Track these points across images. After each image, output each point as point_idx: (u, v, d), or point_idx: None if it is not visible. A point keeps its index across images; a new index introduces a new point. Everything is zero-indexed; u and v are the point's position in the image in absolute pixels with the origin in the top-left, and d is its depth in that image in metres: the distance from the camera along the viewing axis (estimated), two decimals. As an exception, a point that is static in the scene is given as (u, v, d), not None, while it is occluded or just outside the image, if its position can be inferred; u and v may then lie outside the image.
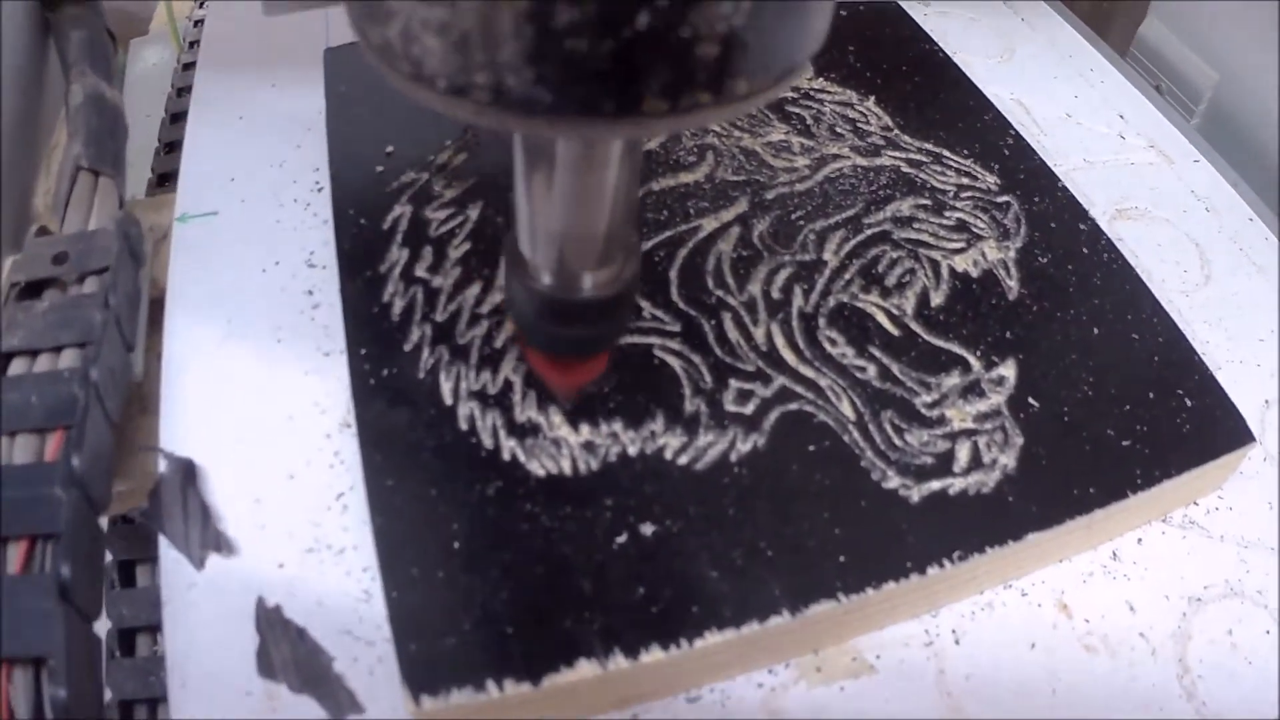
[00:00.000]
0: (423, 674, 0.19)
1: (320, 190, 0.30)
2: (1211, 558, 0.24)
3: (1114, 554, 0.24)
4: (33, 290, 0.25)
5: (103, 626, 0.24)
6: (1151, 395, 0.25)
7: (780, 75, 0.14)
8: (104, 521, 0.24)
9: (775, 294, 0.25)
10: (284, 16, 0.29)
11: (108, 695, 0.24)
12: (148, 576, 0.28)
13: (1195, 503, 0.25)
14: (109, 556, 0.27)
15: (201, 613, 0.22)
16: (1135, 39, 0.42)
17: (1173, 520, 0.25)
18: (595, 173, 0.16)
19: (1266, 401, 0.28)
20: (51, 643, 0.19)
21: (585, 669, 0.19)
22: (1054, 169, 0.31)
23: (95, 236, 0.26)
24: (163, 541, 0.23)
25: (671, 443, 0.22)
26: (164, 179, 0.35)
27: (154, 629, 0.26)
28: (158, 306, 0.27)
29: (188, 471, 0.24)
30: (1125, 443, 0.24)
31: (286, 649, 0.21)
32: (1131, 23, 0.42)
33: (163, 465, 0.24)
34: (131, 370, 0.26)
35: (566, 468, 0.22)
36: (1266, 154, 0.37)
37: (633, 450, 0.22)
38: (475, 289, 0.25)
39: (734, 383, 0.24)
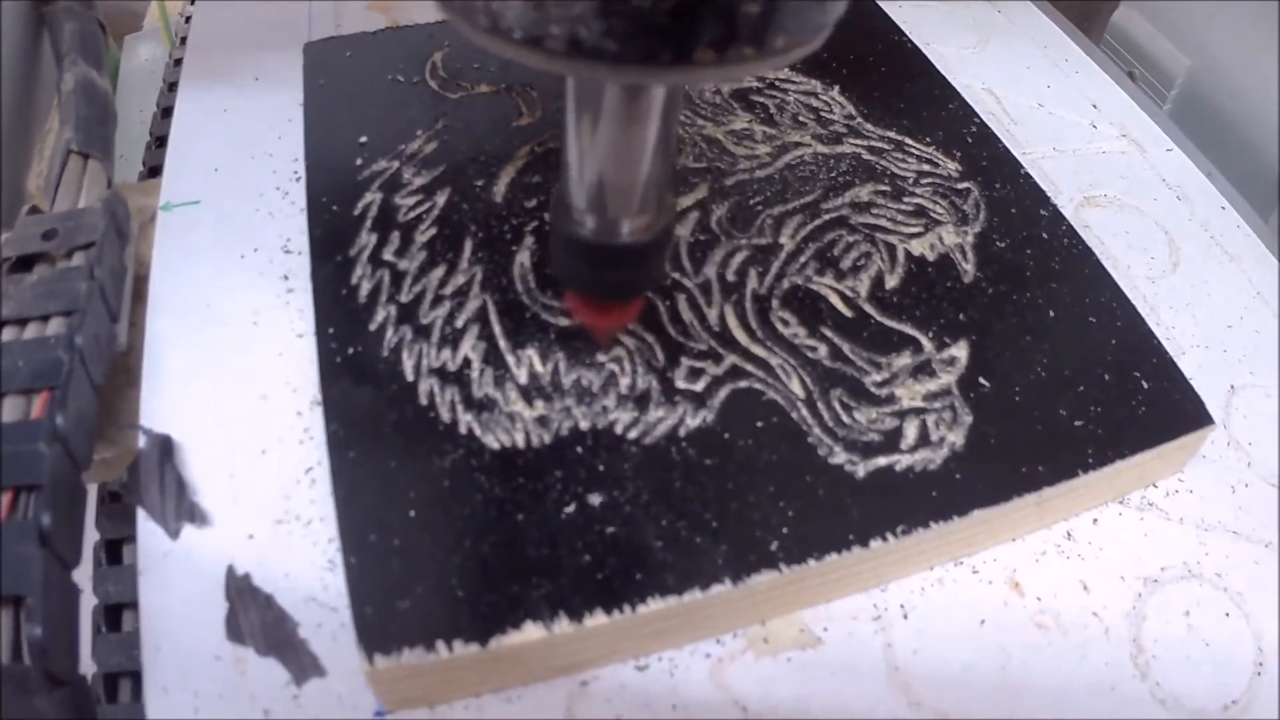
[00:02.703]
0: (377, 635, 0.19)
1: (299, 179, 0.30)
2: (1170, 540, 0.24)
3: (1068, 534, 0.24)
4: (23, 264, 0.26)
5: (89, 602, 0.25)
6: (1107, 377, 0.25)
7: (813, 32, 0.16)
8: (93, 497, 0.25)
9: (730, 276, 0.26)
10: (266, 11, 0.30)
11: (94, 669, 0.25)
12: (134, 555, 0.28)
13: (1154, 485, 0.26)
14: (97, 535, 0.28)
15: (175, 581, 0.22)
16: (1108, 25, 0.42)
17: (1130, 502, 0.25)
18: (638, 126, 0.18)
19: (1232, 387, 0.28)
20: (30, 583, 0.20)
21: (531, 631, 0.20)
22: (1021, 157, 0.31)
23: (83, 214, 0.27)
24: (140, 514, 0.24)
25: (622, 417, 0.23)
26: (155, 172, 0.36)
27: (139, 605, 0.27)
28: (144, 284, 0.28)
29: (165, 446, 0.25)
30: (1078, 423, 0.24)
31: (254, 615, 0.22)
32: (1106, 10, 0.42)
33: (142, 441, 0.25)
34: (116, 340, 0.26)
35: (520, 441, 0.22)
36: (1239, 141, 0.37)
37: (584, 424, 0.23)
38: (439, 271, 0.26)
39: (685, 361, 0.24)
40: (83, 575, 0.24)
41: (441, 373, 0.24)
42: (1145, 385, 0.25)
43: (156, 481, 0.24)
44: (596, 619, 0.20)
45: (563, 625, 0.20)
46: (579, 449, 0.22)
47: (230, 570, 0.22)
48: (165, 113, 0.38)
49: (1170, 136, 0.36)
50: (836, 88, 0.32)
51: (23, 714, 0.19)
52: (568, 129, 0.19)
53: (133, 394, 0.26)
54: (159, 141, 0.37)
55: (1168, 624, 0.23)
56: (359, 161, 0.29)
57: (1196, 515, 0.25)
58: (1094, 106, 0.36)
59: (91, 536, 0.25)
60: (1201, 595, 0.24)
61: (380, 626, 0.20)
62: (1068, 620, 0.23)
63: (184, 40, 0.39)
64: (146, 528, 0.24)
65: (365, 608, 0.20)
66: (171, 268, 0.28)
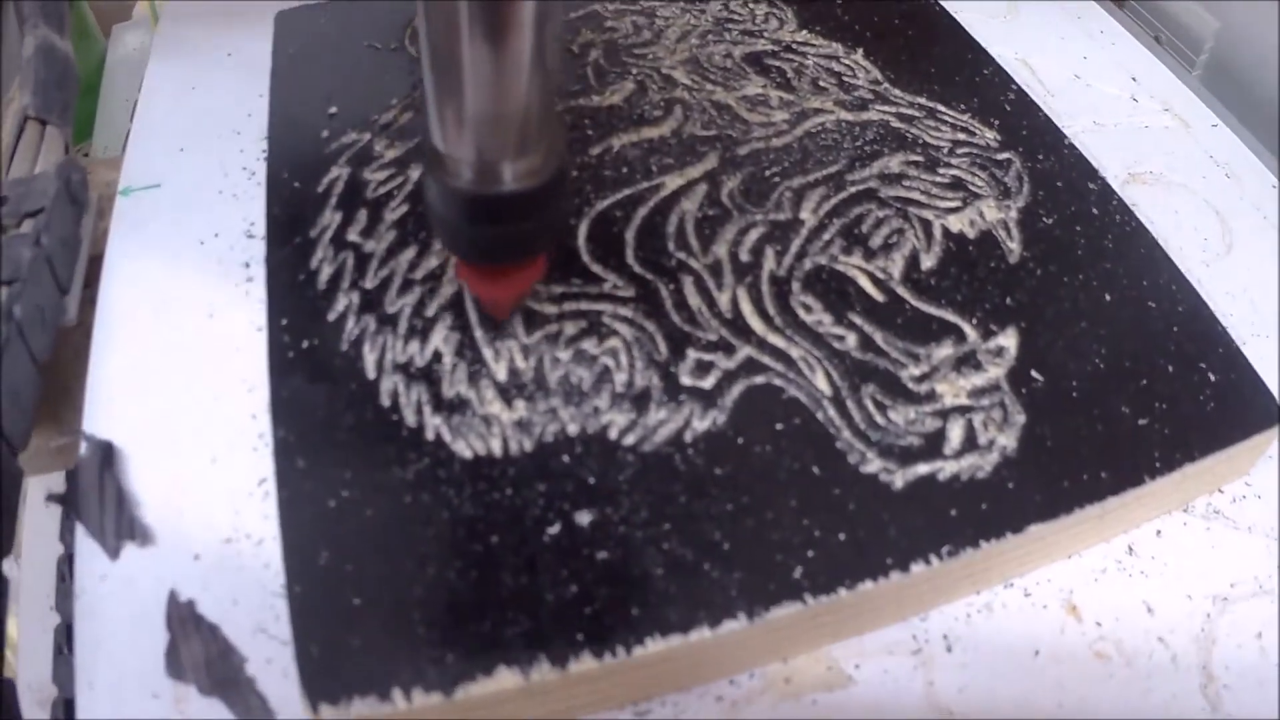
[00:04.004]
0: (323, 679, 0.16)
1: (268, 158, 0.27)
2: (1239, 552, 0.21)
3: (1129, 548, 0.21)
4: (-27, 235, 0.24)
5: (52, 622, 0.22)
6: (1171, 369, 0.21)
7: None
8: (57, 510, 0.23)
9: (744, 256, 0.22)
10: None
11: (53, 693, 0.22)
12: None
13: (1220, 490, 0.22)
14: (60, 549, 0.25)
15: (113, 606, 0.19)
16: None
17: (1195, 510, 0.22)
18: (505, 40, 0.15)
19: (1297, 380, 0.24)
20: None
21: (505, 679, 0.16)
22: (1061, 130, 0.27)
23: (35, 181, 0.25)
24: (79, 530, 0.20)
25: (618, 420, 0.19)
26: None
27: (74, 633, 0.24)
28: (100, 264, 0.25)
29: (106, 454, 0.21)
30: (1142, 421, 0.20)
31: (197, 648, 0.19)
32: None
33: (83, 448, 0.21)
34: (64, 313, 0.24)
35: (496, 448, 0.19)
36: (1272, 108, 0.33)
37: (573, 429, 0.19)
38: (410, 253, 0.22)
39: (692, 353, 0.20)
40: (49, 590, 0.23)
41: (407, 369, 0.20)
42: (1212, 378, 0.22)
43: (96, 493, 0.21)
44: (584, 663, 0.16)
45: (543, 671, 0.16)
46: (566, 458, 0.19)
47: (173, 595, 0.19)
48: (144, 98, 0.34)
49: (1214, 112, 0.32)
50: (860, 51, 0.27)
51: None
52: (421, 47, 0.16)
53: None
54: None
55: (1239, 647, 0.20)
56: (326, 134, 0.25)
57: (1266, 524, 0.22)
58: (1133, 79, 0.32)
59: (56, 550, 0.23)
60: (1274, 614, 0.21)
61: (327, 669, 0.16)
62: (1131, 648, 0.20)
63: (165, 21, 0.35)
64: (84, 545, 0.20)
65: (310, 645, 0.16)
66: (125, 256, 0.25)
